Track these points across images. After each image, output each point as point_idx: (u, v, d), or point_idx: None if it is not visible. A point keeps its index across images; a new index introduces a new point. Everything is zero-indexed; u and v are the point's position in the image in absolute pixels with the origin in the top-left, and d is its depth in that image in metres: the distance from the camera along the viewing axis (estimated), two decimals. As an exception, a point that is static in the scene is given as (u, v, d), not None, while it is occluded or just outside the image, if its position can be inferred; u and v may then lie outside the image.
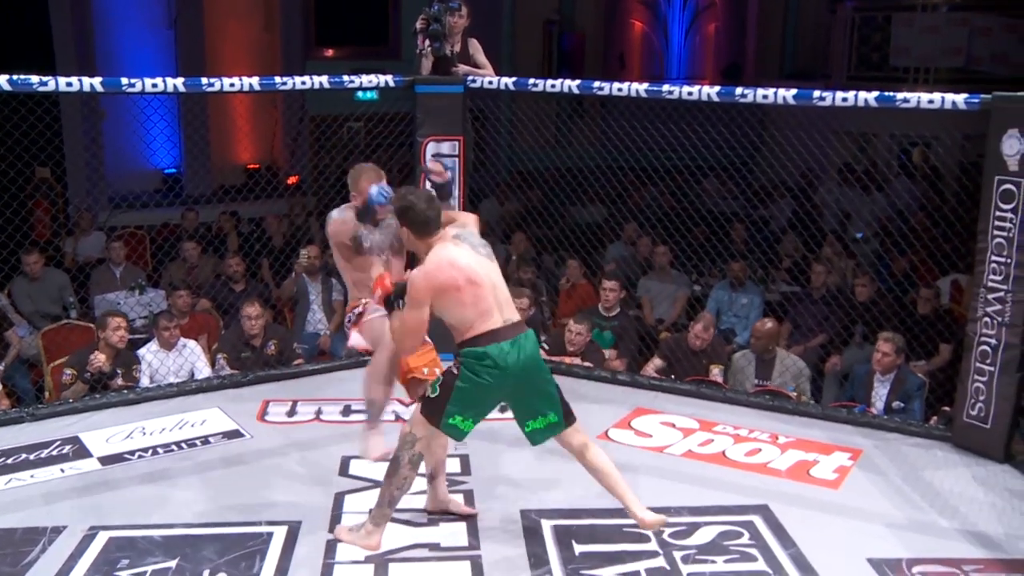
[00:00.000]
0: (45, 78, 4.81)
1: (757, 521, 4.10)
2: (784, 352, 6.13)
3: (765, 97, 4.95)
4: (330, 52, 12.93)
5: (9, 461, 4.60)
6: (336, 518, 4.03)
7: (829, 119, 5.29)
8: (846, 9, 12.61)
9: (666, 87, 5.25)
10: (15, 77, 4.73)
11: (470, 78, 5.83)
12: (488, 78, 5.81)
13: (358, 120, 6.42)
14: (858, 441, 4.96)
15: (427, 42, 5.71)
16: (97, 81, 4.97)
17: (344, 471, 4.47)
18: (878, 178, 8.10)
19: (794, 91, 4.93)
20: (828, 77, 12.51)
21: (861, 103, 4.76)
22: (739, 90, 5.02)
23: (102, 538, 3.87)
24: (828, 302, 6.95)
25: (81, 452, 4.70)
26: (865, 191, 9.39)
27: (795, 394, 5.75)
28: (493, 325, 3.58)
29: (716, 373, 6.06)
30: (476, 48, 5.95)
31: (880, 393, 5.59)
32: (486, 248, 3.69)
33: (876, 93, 4.78)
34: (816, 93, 4.88)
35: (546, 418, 3.74)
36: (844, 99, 4.79)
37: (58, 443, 4.81)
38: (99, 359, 5.49)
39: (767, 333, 6.05)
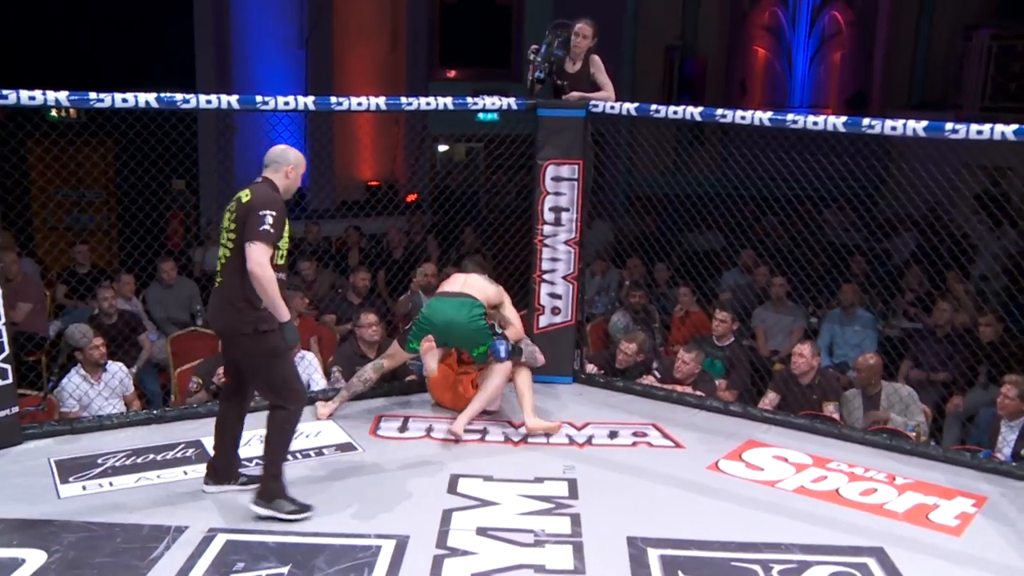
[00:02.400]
0: (188, 96, 5.03)
1: (871, 564, 3.97)
2: (890, 384, 5.94)
3: (894, 128, 4.82)
4: (452, 73, 13.14)
5: (139, 460, 4.80)
6: (443, 535, 4.07)
7: (960, 151, 5.12)
8: (982, 36, 12.19)
9: (791, 116, 5.17)
10: (162, 95, 4.96)
11: (592, 103, 5.85)
12: (610, 103, 5.82)
13: (479, 141, 6.51)
14: (983, 487, 4.77)
15: (536, 72, 5.78)
16: (234, 99, 5.17)
17: (452, 489, 4.52)
18: (1013, 213, 7.80)
19: (925, 123, 4.79)
20: (959, 107, 12.11)
21: (998, 136, 4.58)
22: (866, 121, 4.90)
23: (220, 540, 4.00)
24: (952, 340, 6.71)
25: (203, 456, 4.85)
26: (996, 226, 9.05)
27: (913, 434, 5.56)
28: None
29: (831, 409, 5.91)
30: (598, 67, 5.95)
31: (1008, 439, 5.36)
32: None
33: (1015, 126, 4.59)
34: (949, 125, 4.72)
35: (478, 350, 5.23)
36: (979, 132, 4.60)
37: (182, 446, 4.99)
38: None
39: (870, 368, 5.90)
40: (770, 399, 6.06)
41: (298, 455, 4.91)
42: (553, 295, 6.11)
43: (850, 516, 4.42)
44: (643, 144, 6.86)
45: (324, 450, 5.01)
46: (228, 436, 4.43)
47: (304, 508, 4.19)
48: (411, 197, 10.69)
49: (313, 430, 5.25)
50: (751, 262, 8.24)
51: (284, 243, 4.10)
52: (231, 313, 4.07)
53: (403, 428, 5.36)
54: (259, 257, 3.95)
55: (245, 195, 4.08)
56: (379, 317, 6.32)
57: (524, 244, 6.53)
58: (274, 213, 3.99)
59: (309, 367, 6.06)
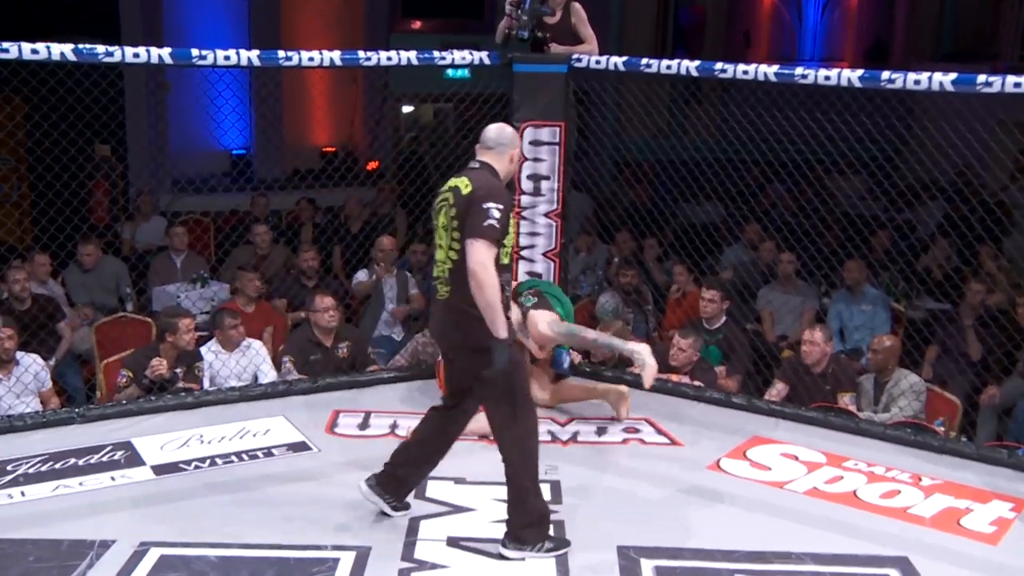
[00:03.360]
0: (111, 48, 4.94)
1: (894, 575, 3.99)
2: (900, 371, 5.99)
3: (918, 83, 4.80)
4: (417, 24, 13.05)
5: (57, 466, 4.74)
6: (409, 546, 4.05)
7: (995, 107, 5.10)
8: (1023, -22, 12.24)
9: (799, 70, 5.14)
10: (80, 46, 4.87)
11: (575, 57, 5.81)
12: (594, 57, 5.78)
13: (448, 101, 6.48)
14: (1022, 489, 4.79)
15: (518, 28, 5.72)
16: (166, 52, 5.08)
17: (420, 493, 4.49)
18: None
19: (953, 75, 4.77)
20: (994, 58, 12.11)
21: (1039, 88, 4.55)
22: (886, 74, 4.88)
23: (153, 555, 3.95)
24: (986, 323, 6.75)
25: (133, 459, 4.82)
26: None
27: (942, 429, 5.60)
28: None
29: (847, 401, 5.94)
30: (580, 18, 5.91)
31: (1051, 433, 5.41)
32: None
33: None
34: (981, 78, 4.68)
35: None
36: (1017, 85, 4.57)
37: (109, 448, 4.94)
38: (160, 366, 5.60)
39: (886, 350, 5.95)
40: (778, 390, 6.08)
41: (244, 456, 4.89)
42: (532, 275, 6.10)
43: (870, 522, 4.43)
44: (632, 104, 6.84)
45: (274, 450, 4.99)
46: (432, 453, 4.28)
47: (563, 543, 4.08)
48: (372, 165, 10.64)
49: (261, 428, 5.23)
50: (755, 236, 8.25)
51: (509, 240, 4.00)
52: (470, 326, 3.90)
53: (364, 425, 5.35)
54: (482, 256, 3.81)
55: (464, 184, 3.94)
56: (337, 300, 6.30)
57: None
58: (500, 206, 3.87)
59: (256, 357, 6.03)
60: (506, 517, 4.05)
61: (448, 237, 3.95)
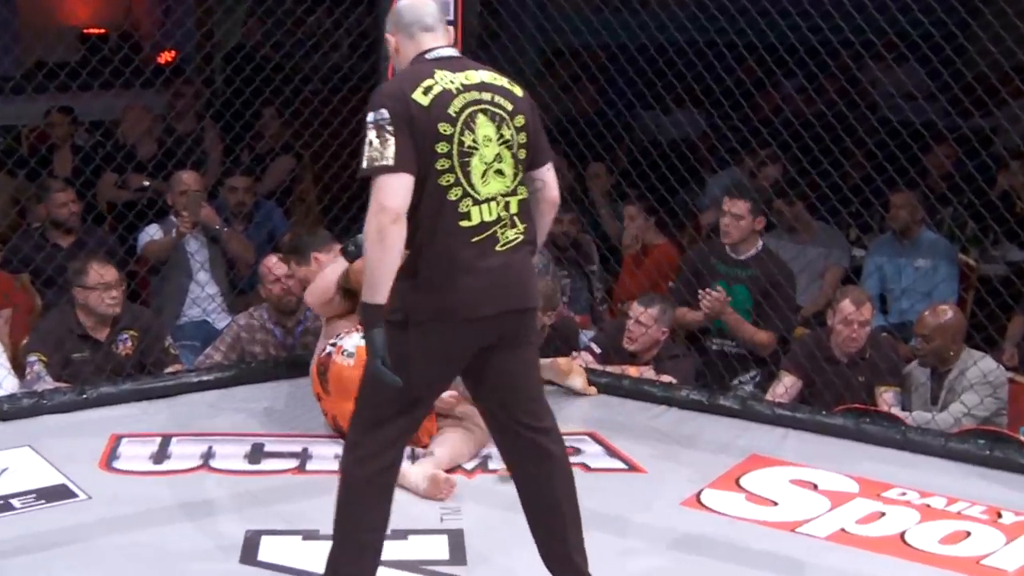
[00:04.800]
0: None
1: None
2: (969, 354, 6.08)
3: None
4: None
5: None
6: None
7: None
8: None
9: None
10: None
11: None
12: None
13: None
14: None
15: None
16: None
17: (250, 556, 4.48)
18: None
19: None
20: None
21: None
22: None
23: None
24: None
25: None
26: None
27: (909, 418, 5.77)
28: None
29: (889, 399, 6.03)
30: None
31: None
32: None
33: None
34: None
35: None
36: None
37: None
38: None
39: (941, 328, 6.03)
40: (786, 386, 6.19)
41: (-28, 510, 4.81)
42: None
43: (926, 577, 4.51)
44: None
45: (14, 500, 4.91)
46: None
47: None
48: (165, 56, 10.48)
49: (-1, 465, 5.17)
50: (754, 159, 8.29)
51: None
52: (535, 279, 4.14)
53: (160, 455, 5.34)
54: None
55: (509, 84, 4.07)
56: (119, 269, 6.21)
57: (358, 131, 6.50)
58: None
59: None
60: None
61: (513, 158, 3.98)
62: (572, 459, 5.23)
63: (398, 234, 3.70)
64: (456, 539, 4.61)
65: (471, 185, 3.86)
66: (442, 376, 4.04)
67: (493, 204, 3.92)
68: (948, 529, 4.81)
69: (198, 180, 7.51)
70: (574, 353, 6.37)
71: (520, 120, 3.96)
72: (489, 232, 3.90)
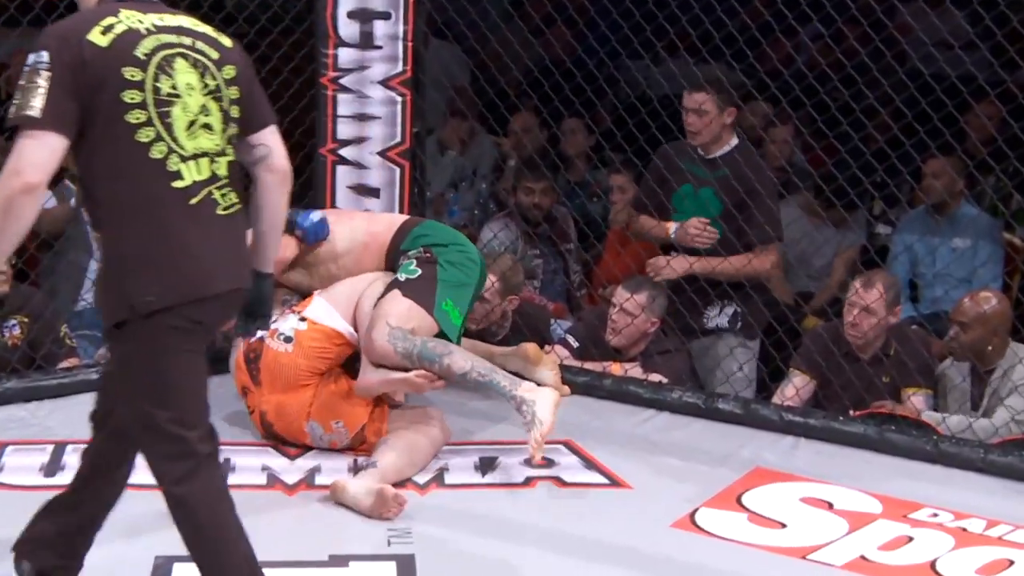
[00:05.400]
0: None
1: None
2: (1017, 349, 6.08)
3: None
4: None
5: None
6: None
7: None
8: None
9: None
10: None
11: None
12: None
13: None
14: None
15: None
16: None
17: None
18: None
19: None
20: None
21: None
22: None
23: None
24: None
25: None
26: None
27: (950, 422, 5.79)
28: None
29: (918, 402, 6.04)
30: None
31: None
32: None
33: None
34: None
35: None
36: None
37: None
38: None
39: (982, 318, 6.05)
40: (796, 387, 6.21)
41: None
42: (361, 189, 6.21)
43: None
44: None
45: None
46: None
47: None
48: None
49: None
50: (759, 115, 8.32)
51: None
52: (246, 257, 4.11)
53: (53, 466, 5.33)
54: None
55: (213, 32, 4.01)
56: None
57: (292, 82, 6.58)
58: None
59: None
60: None
61: (222, 112, 3.93)
62: (544, 472, 5.32)
63: (30, 208, 3.61)
64: (406, 566, 4.58)
65: (175, 139, 3.78)
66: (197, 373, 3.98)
67: (204, 161, 3.86)
68: (987, 557, 4.80)
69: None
70: (546, 347, 6.37)
71: (230, 71, 3.92)
72: (205, 193, 3.85)
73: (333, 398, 5.45)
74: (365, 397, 5.40)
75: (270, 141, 4.02)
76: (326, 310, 5.49)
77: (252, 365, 5.47)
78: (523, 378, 5.48)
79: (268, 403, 5.45)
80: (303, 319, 5.46)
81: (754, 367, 6.64)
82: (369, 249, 5.70)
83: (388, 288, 5.46)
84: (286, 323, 5.42)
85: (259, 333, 5.32)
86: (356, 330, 5.45)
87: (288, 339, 5.36)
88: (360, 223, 5.84)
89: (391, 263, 5.63)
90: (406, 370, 5.29)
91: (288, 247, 5.58)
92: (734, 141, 6.71)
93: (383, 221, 5.87)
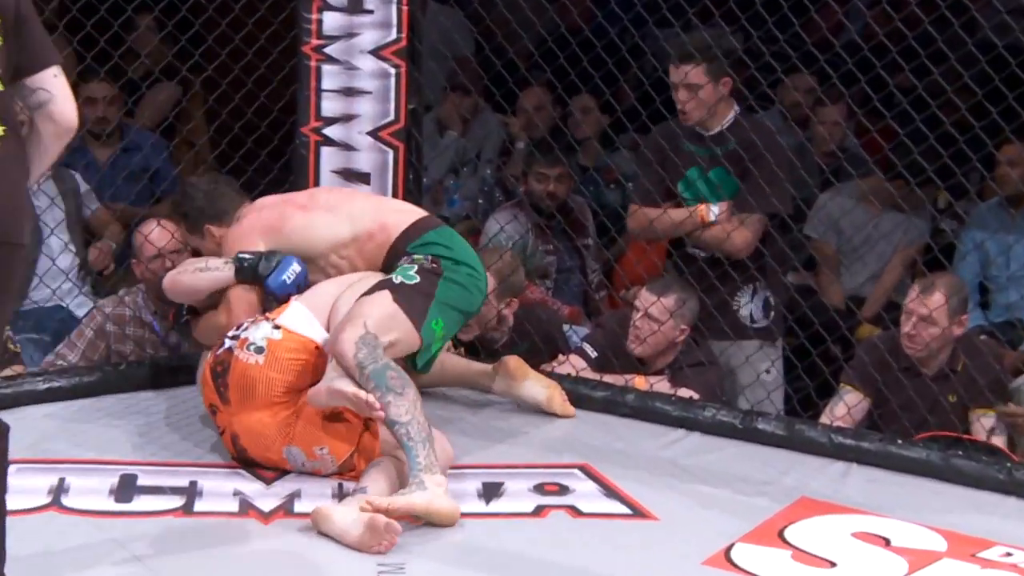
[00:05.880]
0: None
1: None
2: None
3: None
4: None
5: None
6: None
7: None
8: None
9: None
10: None
11: None
12: None
13: None
14: None
15: None
16: None
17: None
18: None
19: None
20: None
21: None
22: None
23: None
24: None
25: None
26: None
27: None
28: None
29: (988, 424, 6.04)
30: None
31: None
32: None
33: None
34: None
35: None
36: None
37: None
38: None
39: None
40: (848, 405, 6.24)
41: None
42: (349, 174, 6.29)
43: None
44: None
45: None
46: None
47: None
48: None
49: None
50: (803, 89, 8.33)
51: None
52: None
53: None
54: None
55: None
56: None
57: (269, 52, 6.67)
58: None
59: None
60: None
61: None
62: (557, 500, 5.30)
63: None
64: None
65: None
66: None
67: None
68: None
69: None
70: (560, 356, 6.36)
71: None
72: None
73: (315, 420, 5.38)
74: (315, 407, 5.33)
75: (52, 86, 4.00)
76: (305, 317, 5.45)
77: (219, 380, 5.40)
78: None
79: (239, 424, 5.40)
80: (277, 327, 5.41)
81: (780, 368, 6.66)
82: (374, 240, 5.66)
83: (377, 287, 5.43)
84: (258, 331, 5.37)
85: (227, 343, 5.38)
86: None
87: (259, 349, 5.31)
88: (365, 206, 5.81)
89: (388, 261, 5.60)
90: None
91: (238, 298, 5.69)
92: (734, 110, 6.79)
93: (392, 210, 5.84)
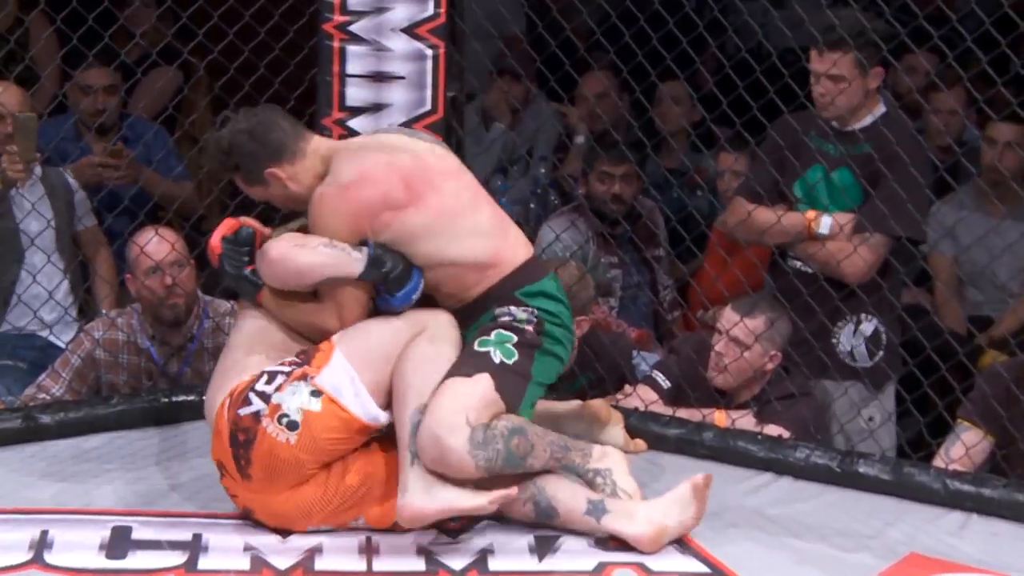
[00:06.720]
0: None
1: None
2: None
3: None
4: None
5: None
6: None
7: None
8: None
9: None
10: None
11: None
12: None
13: None
14: None
15: None
16: None
17: None
18: None
19: None
20: None
21: None
22: None
23: None
24: None
25: None
26: None
27: None
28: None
29: None
30: None
31: None
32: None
33: None
34: None
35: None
36: None
37: None
38: None
39: None
40: (968, 443, 6.25)
41: None
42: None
43: None
44: None
45: None
46: None
47: None
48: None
49: None
50: (918, 75, 8.35)
51: None
52: None
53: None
54: None
55: None
56: None
57: (285, 31, 6.73)
58: None
59: None
60: None
61: None
62: (622, 557, 5.33)
63: None
64: None
65: None
66: None
67: None
68: None
69: (24, 98, 7.51)
70: (627, 387, 6.38)
71: None
72: None
73: (349, 495, 5.33)
74: (413, 526, 5.24)
75: None
76: (347, 378, 5.24)
77: (240, 450, 5.27)
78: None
79: (258, 502, 5.35)
80: (316, 392, 5.20)
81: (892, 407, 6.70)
82: (483, 273, 5.45)
83: (472, 363, 5.28)
84: (293, 398, 5.18)
85: (254, 403, 5.24)
86: (391, 403, 5.28)
87: (293, 425, 5.14)
88: (491, 224, 5.59)
89: (484, 302, 5.44)
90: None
91: (355, 300, 5.45)
92: (881, 108, 6.77)
93: (510, 240, 5.58)
